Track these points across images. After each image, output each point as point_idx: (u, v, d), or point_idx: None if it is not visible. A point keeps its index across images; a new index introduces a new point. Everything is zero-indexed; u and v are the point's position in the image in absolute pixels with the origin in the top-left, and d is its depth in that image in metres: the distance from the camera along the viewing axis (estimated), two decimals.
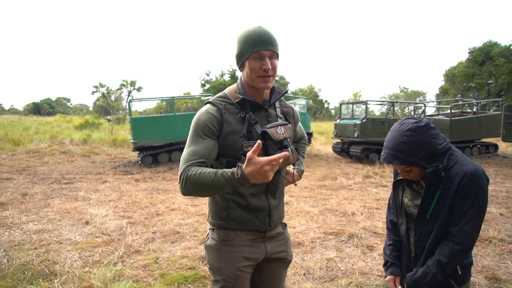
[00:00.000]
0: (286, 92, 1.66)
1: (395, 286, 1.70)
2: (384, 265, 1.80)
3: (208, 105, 1.54)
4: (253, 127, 1.51)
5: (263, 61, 1.46)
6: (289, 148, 1.49)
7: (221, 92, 1.61)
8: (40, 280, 3.21)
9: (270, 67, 1.46)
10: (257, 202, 1.57)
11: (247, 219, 1.56)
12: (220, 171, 1.34)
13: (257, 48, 1.44)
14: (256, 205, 1.56)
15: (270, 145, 1.46)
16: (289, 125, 1.57)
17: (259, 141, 1.30)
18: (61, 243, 4.28)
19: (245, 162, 1.29)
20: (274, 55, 1.49)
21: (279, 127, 1.50)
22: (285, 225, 1.76)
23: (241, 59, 1.51)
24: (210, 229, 1.67)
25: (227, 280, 1.56)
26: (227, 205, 1.56)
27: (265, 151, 1.45)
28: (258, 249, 1.60)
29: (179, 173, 1.43)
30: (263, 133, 1.47)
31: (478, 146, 12.69)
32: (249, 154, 1.28)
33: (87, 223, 5.11)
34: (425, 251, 1.57)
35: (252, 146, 1.29)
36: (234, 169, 1.32)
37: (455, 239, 1.48)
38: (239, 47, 1.50)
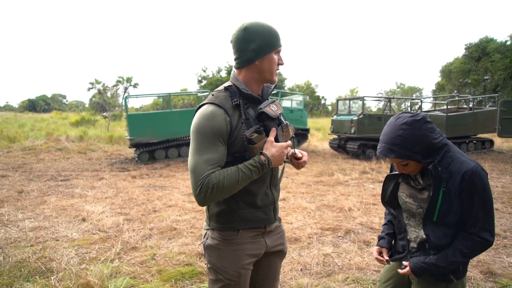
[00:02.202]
0: (275, 86, 1.69)
1: (380, 256, 1.74)
2: (377, 241, 1.85)
3: (210, 106, 1.45)
4: (247, 111, 1.51)
5: (279, 56, 1.54)
6: (286, 122, 1.59)
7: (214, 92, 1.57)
8: (37, 277, 3.21)
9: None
10: (264, 197, 1.57)
11: (256, 217, 1.55)
12: (242, 165, 1.42)
13: (280, 44, 1.52)
14: (264, 201, 1.57)
15: (269, 124, 1.50)
16: (277, 101, 1.62)
17: (273, 128, 1.49)
18: (57, 240, 4.27)
19: (266, 146, 1.46)
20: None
21: (271, 105, 1.54)
22: (280, 218, 1.77)
23: (263, 52, 1.48)
24: (208, 229, 1.63)
25: (230, 279, 1.54)
26: (236, 206, 1.52)
27: (265, 131, 1.49)
28: (259, 245, 1.60)
29: (198, 185, 1.36)
30: (260, 114, 1.50)
31: (474, 141, 12.75)
32: (269, 138, 1.47)
33: (83, 220, 5.09)
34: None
35: (255, 133, 1.43)
36: (256, 158, 1.43)
37: (479, 238, 1.49)
38: (260, 40, 1.46)
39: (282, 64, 1.55)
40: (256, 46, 1.46)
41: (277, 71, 1.57)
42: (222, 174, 1.38)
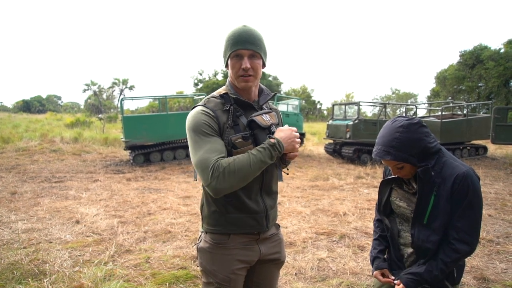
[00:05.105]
0: (275, 94, 1.68)
1: (384, 278, 1.72)
2: (371, 262, 1.82)
3: (198, 107, 1.52)
4: (239, 118, 1.51)
5: (242, 60, 1.47)
6: None
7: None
8: (29, 279, 3.17)
9: (249, 66, 1.46)
10: (254, 204, 1.55)
11: (245, 222, 1.54)
12: (253, 150, 1.41)
13: (236, 47, 1.45)
14: (254, 207, 1.54)
15: (258, 133, 1.48)
16: (273, 112, 1.59)
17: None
18: (51, 242, 4.23)
19: (275, 133, 1.48)
20: (256, 55, 1.48)
21: (264, 115, 1.52)
22: (279, 226, 1.75)
23: (224, 59, 1.53)
24: (202, 231, 1.64)
25: (221, 283, 1.54)
26: (224, 209, 1.53)
27: (254, 140, 1.47)
28: (252, 252, 1.58)
29: (208, 172, 1.34)
30: (250, 122, 1.48)
31: (468, 148, 12.85)
32: (278, 128, 1.50)
33: (77, 222, 5.06)
34: (428, 256, 1.56)
35: (241, 138, 1.43)
36: (267, 140, 1.43)
37: (460, 242, 1.49)
38: (223, 47, 1.52)
39: (244, 67, 1.46)
40: (223, 52, 1.53)
41: (246, 75, 1.48)
42: (232, 158, 1.38)
